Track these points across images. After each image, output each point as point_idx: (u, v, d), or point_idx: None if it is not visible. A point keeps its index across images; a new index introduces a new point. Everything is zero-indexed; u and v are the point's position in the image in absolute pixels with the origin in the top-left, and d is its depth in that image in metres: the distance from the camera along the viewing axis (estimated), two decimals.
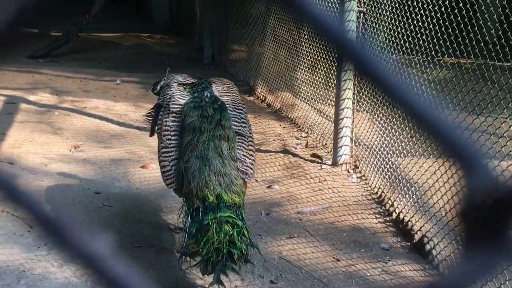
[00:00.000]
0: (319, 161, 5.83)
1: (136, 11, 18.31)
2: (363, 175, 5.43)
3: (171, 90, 3.85)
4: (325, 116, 6.53)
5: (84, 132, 6.49)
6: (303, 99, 7.10)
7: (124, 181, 5.27)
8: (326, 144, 6.17)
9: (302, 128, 6.79)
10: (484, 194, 0.62)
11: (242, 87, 8.89)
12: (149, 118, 4.05)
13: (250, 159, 3.62)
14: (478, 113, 4.06)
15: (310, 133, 6.56)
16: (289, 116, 7.22)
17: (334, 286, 3.74)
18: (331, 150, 5.85)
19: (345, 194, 5.10)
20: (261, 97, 8.23)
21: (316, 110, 6.77)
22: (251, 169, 3.61)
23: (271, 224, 4.61)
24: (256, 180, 5.38)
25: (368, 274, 3.90)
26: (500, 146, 3.77)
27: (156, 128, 3.82)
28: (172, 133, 3.63)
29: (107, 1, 11.65)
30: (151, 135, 4.02)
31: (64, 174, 5.33)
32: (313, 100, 6.86)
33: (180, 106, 3.70)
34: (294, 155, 5.97)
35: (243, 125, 3.71)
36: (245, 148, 3.64)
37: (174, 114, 3.69)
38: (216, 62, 10.89)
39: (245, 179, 3.56)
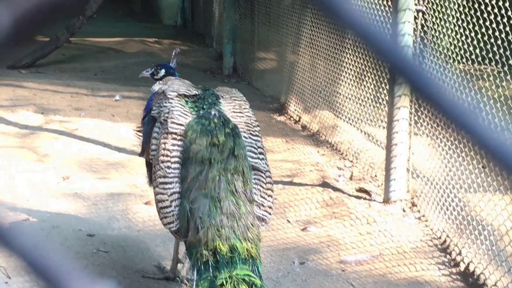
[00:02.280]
0: (367, 197, 5.80)
1: (141, 12, 18.52)
2: (423, 215, 5.38)
3: (170, 103, 3.82)
4: (374, 140, 6.51)
5: (75, 159, 6.53)
6: (347, 119, 7.09)
7: (124, 220, 5.28)
8: (375, 176, 6.14)
9: (346, 155, 6.76)
10: None
11: (271, 104, 8.92)
12: (140, 134, 4.07)
13: (268, 201, 3.61)
14: None
15: (356, 162, 6.54)
16: (330, 140, 7.20)
17: None
18: (382, 184, 5.81)
19: (399, 238, 5.06)
20: (294, 117, 8.24)
21: (363, 133, 6.75)
22: (270, 213, 3.60)
23: (307, 276, 4.58)
24: (288, 221, 5.36)
25: None
26: None
27: (150, 149, 3.81)
28: (173, 160, 3.63)
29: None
30: (141, 154, 4.03)
31: (50, 211, 5.36)
32: (359, 121, 6.85)
33: (182, 127, 3.69)
34: (336, 189, 5.95)
35: (260, 156, 3.69)
36: (263, 187, 3.63)
37: (174, 136, 3.68)
38: (238, 74, 10.94)
39: (262, 226, 3.56)
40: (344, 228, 5.25)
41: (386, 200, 5.65)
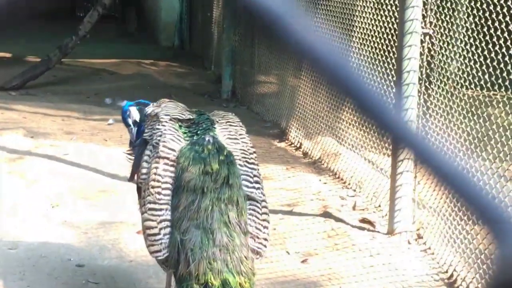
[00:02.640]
0: (371, 228, 5.77)
1: (137, 32, 18.58)
2: (429, 248, 5.35)
3: (163, 126, 3.80)
4: (379, 169, 6.49)
5: (66, 185, 6.51)
6: (350, 146, 7.08)
7: (115, 250, 5.24)
8: (379, 206, 6.12)
9: (349, 184, 6.74)
10: None
11: (271, 129, 8.90)
12: (131, 158, 4.05)
13: (264, 232, 3.58)
14: None
15: (359, 191, 6.51)
16: (332, 168, 7.18)
17: None
18: (386, 214, 5.79)
19: (404, 272, 5.03)
20: (295, 143, 8.22)
21: (367, 161, 6.73)
22: (265, 246, 3.58)
23: None
24: (288, 252, 5.32)
25: None
26: None
27: (140, 172, 3.78)
28: (164, 186, 3.61)
29: (99, 19, 11.83)
30: (131, 179, 4.02)
31: (38, 240, 5.32)
32: (363, 148, 6.83)
33: (174, 152, 3.67)
34: (338, 219, 5.92)
35: (256, 185, 3.66)
36: (258, 218, 3.60)
37: (166, 161, 3.65)
38: (237, 98, 10.95)
39: (256, 259, 3.53)
40: (346, 261, 5.21)
41: (391, 232, 5.62)
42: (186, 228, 3.46)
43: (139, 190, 3.85)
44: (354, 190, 6.60)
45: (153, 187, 3.61)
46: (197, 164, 3.59)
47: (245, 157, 3.71)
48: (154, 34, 17.65)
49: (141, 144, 3.92)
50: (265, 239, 3.59)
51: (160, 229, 3.53)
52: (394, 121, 0.70)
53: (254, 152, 3.81)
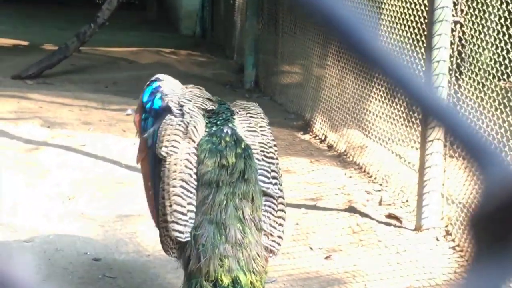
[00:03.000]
0: (398, 224, 5.76)
1: (157, 20, 18.62)
2: (458, 245, 5.33)
3: (191, 111, 3.76)
4: (406, 162, 6.47)
5: (82, 177, 6.54)
6: (377, 139, 7.06)
7: (133, 244, 5.27)
8: (407, 201, 6.11)
9: (375, 178, 6.73)
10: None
11: (295, 121, 8.90)
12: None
13: (279, 230, 3.57)
14: None
15: (386, 186, 6.50)
16: (358, 161, 7.17)
17: None
18: (414, 210, 5.78)
19: (432, 270, 5.02)
20: (320, 136, 8.21)
21: (394, 155, 6.72)
22: (279, 244, 3.57)
23: None
24: (311, 248, 5.33)
25: None
26: None
27: (165, 139, 3.71)
28: (194, 171, 3.59)
29: (119, 6, 11.86)
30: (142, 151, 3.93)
31: (54, 232, 5.36)
32: (390, 141, 6.81)
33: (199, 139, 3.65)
34: (364, 215, 5.91)
35: (273, 181, 3.63)
36: (273, 215, 3.58)
37: (195, 144, 3.64)
38: (260, 88, 10.94)
39: (269, 257, 3.53)
40: (371, 258, 5.21)
41: (418, 228, 5.61)
42: (200, 223, 3.46)
43: (156, 159, 3.74)
44: (381, 185, 6.59)
45: (187, 167, 3.59)
46: (213, 157, 3.58)
47: (263, 151, 3.68)
48: (175, 22, 17.68)
49: (160, 114, 3.85)
50: (279, 237, 3.58)
51: (188, 210, 3.52)
52: (424, 93, 0.71)
53: (275, 145, 3.78)
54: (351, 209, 6.02)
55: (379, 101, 7.05)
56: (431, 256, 5.22)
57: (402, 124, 6.62)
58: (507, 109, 4.99)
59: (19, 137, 7.60)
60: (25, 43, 14.38)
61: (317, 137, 8.24)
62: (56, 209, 5.83)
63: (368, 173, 6.89)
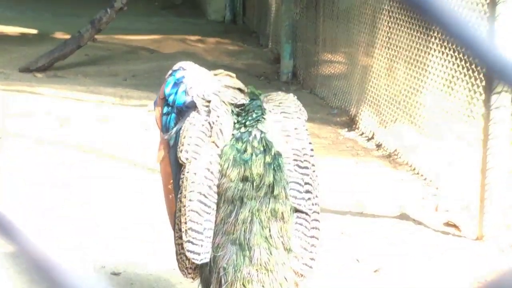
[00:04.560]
0: (457, 232, 5.75)
1: (182, 4, 18.69)
2: None
3: (215, 112, 3.69)
4: (466, 163, 6.44)
5: (97, 183, 6.58)
6: (433, 136, 7.04)
7: (156, 255, 5.29)
8: (467, 207, 6.08)
9: (430, 181, 6.71)
10: None
11: (339, 117, 8.89)
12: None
13: (311, 252, 3.52)
14: None
15: (443, 189, 6.48)
16: (410, 162, 7.15)
17: None
18: (475, 217, 5.75)
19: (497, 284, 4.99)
20: (366, 133, 8.20)
21: (452, 154, 6.69)
22: (311, 267, 3.52)
23: None
24: (357, 260, 5.32)
25: None
26: None
27: (186, 142, 3.67)
28: (215, 182, 3.56)
29: None
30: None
31: (67, 242, 5.40)
32: (447, 139, 6.79)
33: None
34: (417, 222, 5.90)
35: (307, 196, 3.55)
36: (306, 235, 3.52)
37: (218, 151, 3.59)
38: (299, 80, 10.95)
39: (300, 281, 3.50)
40: (426, 272, 5.19)
41: (480, 237, 5.60)
42: (221, 243, 3.42)
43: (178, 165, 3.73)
44: (437, 188, 6.57)
45: (206, 177, 3.55)
46: (237, 169, 3.51)
47: (296, 159, 3.59)
48: (202, 6, 17.73)
49: (188, 106, 3.80)
50: (312, 259, 3.53)
51: (205, 228, 3.50)
52: (488, 50, 0.71)
53: (311, 150, 3.68)
54: (403, 216, 6.01)
55: (435, 93, 7.02)
56: (495, 269, 5.19)
57: (461, 119, 6.59)
58: None
59: (29, 135, 7.66)
60: (34, 31, 14.50)
61: (364, 135, 8.23)
62: (69, 216, 5.87)
63: (422, 175, 6.87)
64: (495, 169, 5.57)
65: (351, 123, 8.62)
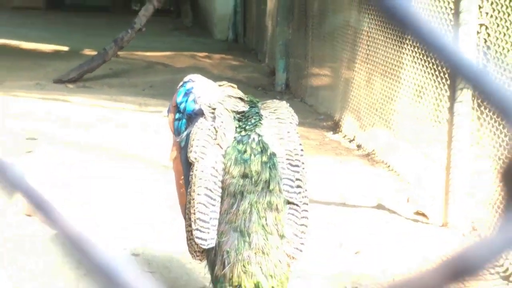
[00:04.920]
0: (425, 220, 5.72)
1: (192, 26, 18.66)
2: (486, 239, 5.27)
3: (220, 118, 3.69)
4: (434, 161, 6.41)
5: (98, 179, 6.54)
6: (405, 139, 7.01)
7: (172, 237, 5.25)
8: (434, 198, 6.06)
9: (403, 177, 6.68)
10: None
11: (325, 122, 8.86)
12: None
13: (301, 238, 3.53)
14: None
15: (414, 184, 6.45)
16: (385, 161, 7.13)
17: None
18: (441, 207, 5.73)
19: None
20: (348, 136, 8.17)
21: (422, 154, 6.66)
22: (301, 250, 3.53)
23: None
24: (341, 244, 5.30)
25: None
26: None
27: (195, 143, 3.66)
28: (220, 178, 3.56)
29: (154, 13, 11.90)
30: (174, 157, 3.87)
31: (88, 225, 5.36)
32: (418, 140, 6.76)
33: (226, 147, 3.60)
34: (392, 212, 5.88)
35: (297, 190, 3.56)
36: (296, 223, 3.54)
37: (223, 152, 3.59)
38: (291, 90, 10.92)
39: (291, 263, 3.50)
40: (399, 254, 5.16)
41: (445, 224, 5.57)
42: (224, 231, 3.44)
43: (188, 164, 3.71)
44: (408, 183, 6.54)
45: (212, 174, 3.56)
46: (238, 166, 3.53)
47: (289, 159, 3.61)
48: (209, 27, 17.71)
49: (196, 113, 3.80)
50: (302, 244, 3.54)
51: (211, 218, 3.50)
52: (451, 54, 0.69)
53: (301, 150, 3.69)
54: (379, 207, 5.99)
55: (407, 101, 6.99)
56: (454, 250, 5.16)
57: (429, 124, 6.56)
58: None
59: (60, 140, 7.63)
60: (65, 48, 14.47)
61: (346, 137, 8.20)
62: (88, 202, 5.82)
63: (396, 172, 6.85)
64: (458, 167, 5.56)
65: (335, 127, 8.59)
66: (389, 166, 7.01)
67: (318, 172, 6.65)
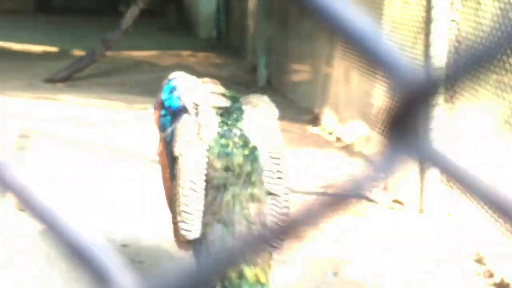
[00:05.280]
0: (402, 207, 5.77)
1: (177, 26, 18.63)
2: (459, 226, 5.33)
3: (203, 114, 3.69)
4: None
5: (99, 177, 6.56)
6: (381, 131, 7.05)
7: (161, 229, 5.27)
8: (411, 187, 6.10)
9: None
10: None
11: (305, 115, 8.90)
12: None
13: (282, 228, 3.52)
14: None
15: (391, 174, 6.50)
16: (364, 152, 7.17)
17: None
18: (417, 194, 5.78)
19: (434, 250, 5.02)
20: (328, 129, 8.21)
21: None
22: (282, 240, 3.49)
23: (340, 286, 4.56)
24: (321, 232, 5.34)
25: None
26: None
27: (179, 139, 3.66)
28: (203, 172, 3.55)
29: (140, 14, 11.89)
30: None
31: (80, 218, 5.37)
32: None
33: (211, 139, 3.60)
34: (370, 200, 5.92)
35: (278, 181, 3.57)
36: (277, 212, 3.56)
37: (207, 146, 3.59)
38: (272, 86, 10.95)
39: (273, 252, 3.49)
40: (376, 240, 5.21)
41: (421, 211, 5.62)
42: (209, 222, 3.43)
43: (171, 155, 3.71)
44: (386, 172, 6.58)
45: (196, 168, 3.55)
46: (221, 160, 3.53)
47: (270, 151, 3.61)
48: (193, 26, 17.70)
49: (180, 109, 3.79)
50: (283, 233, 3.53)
51: (195, 210, 3.49)
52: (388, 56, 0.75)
53: (281, 145, 3.68)
54: (358, 195, 6.01)
55: (382, 96, 7.04)
56: (434, 237, 5.22)
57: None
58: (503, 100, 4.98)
59: (54, 135, 7.63)
60: (55, 49, 14.42)
61: (325, 130, 8.25)
62: (83, 199, 5.84)
63: (374, 162, 6.89)
64: None
65: (315, 121, 8.63)
66: (367, 157, 7.04)
67: (299, 164, 6.69)
